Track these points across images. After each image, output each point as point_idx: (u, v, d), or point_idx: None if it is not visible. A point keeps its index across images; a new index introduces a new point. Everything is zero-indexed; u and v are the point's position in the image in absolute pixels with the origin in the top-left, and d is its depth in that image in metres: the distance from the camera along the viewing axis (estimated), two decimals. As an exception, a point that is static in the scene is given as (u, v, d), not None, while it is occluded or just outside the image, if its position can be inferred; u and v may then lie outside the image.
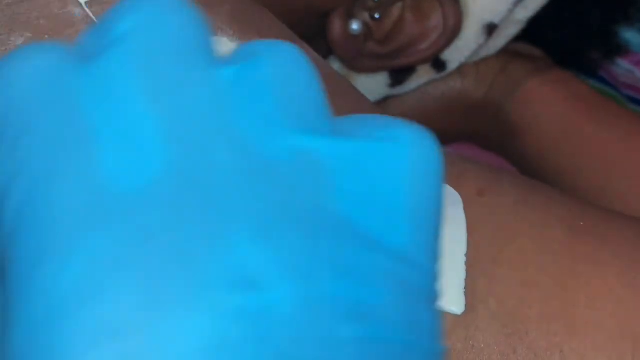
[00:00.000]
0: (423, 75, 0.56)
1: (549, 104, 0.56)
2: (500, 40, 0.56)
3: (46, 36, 0.29)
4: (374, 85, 0.56)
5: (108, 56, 0.18)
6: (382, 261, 0.18)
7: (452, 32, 0.52)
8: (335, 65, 0.54)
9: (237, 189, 0.17)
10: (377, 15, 0.52)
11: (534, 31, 0.57)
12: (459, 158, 0.34)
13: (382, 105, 0.58)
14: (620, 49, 0.64)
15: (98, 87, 0.18)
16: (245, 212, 0.17)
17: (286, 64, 0.20)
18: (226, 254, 0.17)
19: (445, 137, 0.61)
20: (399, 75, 0.56)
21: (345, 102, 0.35)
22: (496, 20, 0.53)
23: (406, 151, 0.19)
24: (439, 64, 0.55)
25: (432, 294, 0.19)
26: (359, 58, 0.53)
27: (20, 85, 0.18)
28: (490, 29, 0.53)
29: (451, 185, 0.31)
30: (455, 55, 0.54)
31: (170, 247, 0.17)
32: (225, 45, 0.31)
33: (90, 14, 0.29)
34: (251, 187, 0.18)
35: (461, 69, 0.57)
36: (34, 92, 0.18)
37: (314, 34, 0.49)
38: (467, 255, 0.29)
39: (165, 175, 0.17)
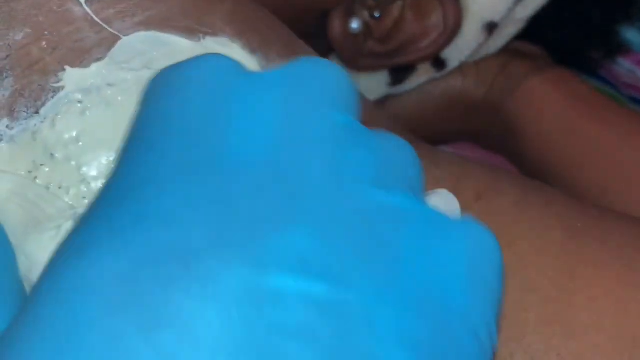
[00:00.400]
0: (423, 74, 0.56)
1: (549, 103, 0.56)
2: (501, 39, 0.56)
3: (46, 32, 0.28)
4: (374, 84, 0.56)
5: (264, 76, 0.23)
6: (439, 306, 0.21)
7: (452, 30, 0.52)
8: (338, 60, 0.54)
9: (321, 198, 0.21)
10: (377, 14, 0.52)
11: (535, 30, 0.57)
12: (458, 159, 0.34)
13: (383, 105, 0.58)
14: (620, 49, 0.64)
15: (245, 95, 0.22)
16: (321, 215, 0.20)
17: None
18: (288, 240, 0.19)
19: (445, 136, 0.61)
20: (399, 74, 0.56)
21: None
22: (496, 19, 0.53)
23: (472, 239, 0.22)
24: (439, 63, 0.55)
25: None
26: (359, 57, 0.53)
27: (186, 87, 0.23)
28: (491, 28, 0.53)
29: (451, 187, 0.30)
30: (456, 54, 0.54)
31: (244, 211, 0.20)
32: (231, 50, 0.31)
33: (90, 12, 0.29)
34: (331, 202, 0.21)
35: (461, 68, 0.57)
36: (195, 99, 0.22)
37: (313, 33, 0.49)
38: None
39: (267, 164, 0.21)
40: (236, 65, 0.23)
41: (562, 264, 0.30)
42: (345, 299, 0.19)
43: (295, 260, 0.19)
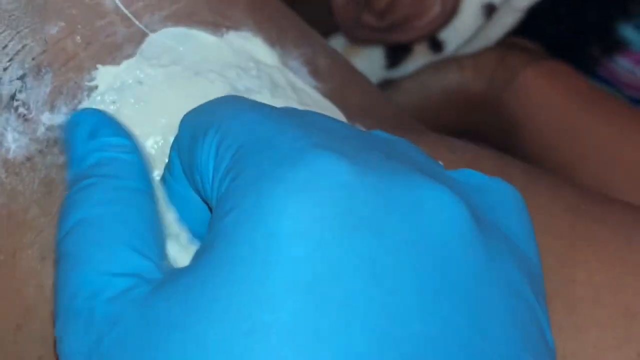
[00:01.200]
0: (420, 57, 0.56)
1: (547, 96, 0.56)
2: (499, 29, 0.56)
3: (79, 26, 0.29)
4: (370, 66, 0.56)
5: None
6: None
7: (450, 10, 0.52)
8: (335, 42, 0.55)
9: None
10: None
11: (532, 26, 0.57)
12: (471, 145, 0.35)
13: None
14: (618, 46, 0.64)
15: None
16: None
17: None
18: None
19: (445, 132, 0.61)
20: (396, 55, 0.56)
21: (353, 91, 0.35)
22: (495, 0, 0.53)
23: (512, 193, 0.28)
24: (436, 44, 0.55)
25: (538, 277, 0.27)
26: (357, 27, 0.53)
27: None
28: (489, 10, 0.53)
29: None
30: (453, 36, 0.54)
31: None
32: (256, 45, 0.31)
33: (121, 6, 0.29)
34: None
35: (460, 62, 0.57)
36: None
37: (314, 19, 0.49)
38: None
39: None
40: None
41: (564, 241, 0.31)
42: None
43: None
